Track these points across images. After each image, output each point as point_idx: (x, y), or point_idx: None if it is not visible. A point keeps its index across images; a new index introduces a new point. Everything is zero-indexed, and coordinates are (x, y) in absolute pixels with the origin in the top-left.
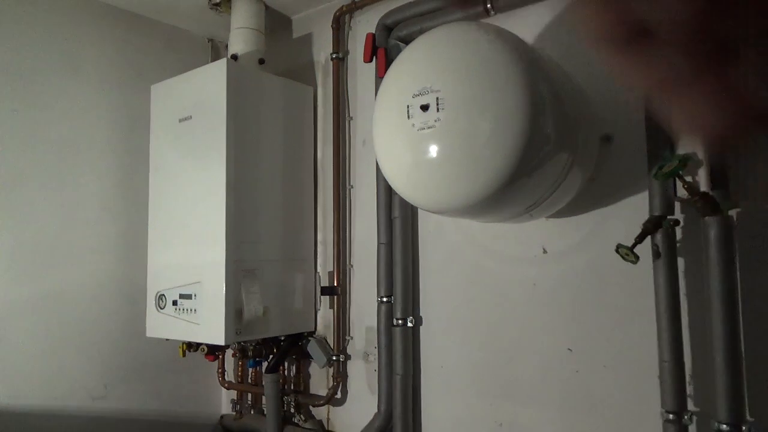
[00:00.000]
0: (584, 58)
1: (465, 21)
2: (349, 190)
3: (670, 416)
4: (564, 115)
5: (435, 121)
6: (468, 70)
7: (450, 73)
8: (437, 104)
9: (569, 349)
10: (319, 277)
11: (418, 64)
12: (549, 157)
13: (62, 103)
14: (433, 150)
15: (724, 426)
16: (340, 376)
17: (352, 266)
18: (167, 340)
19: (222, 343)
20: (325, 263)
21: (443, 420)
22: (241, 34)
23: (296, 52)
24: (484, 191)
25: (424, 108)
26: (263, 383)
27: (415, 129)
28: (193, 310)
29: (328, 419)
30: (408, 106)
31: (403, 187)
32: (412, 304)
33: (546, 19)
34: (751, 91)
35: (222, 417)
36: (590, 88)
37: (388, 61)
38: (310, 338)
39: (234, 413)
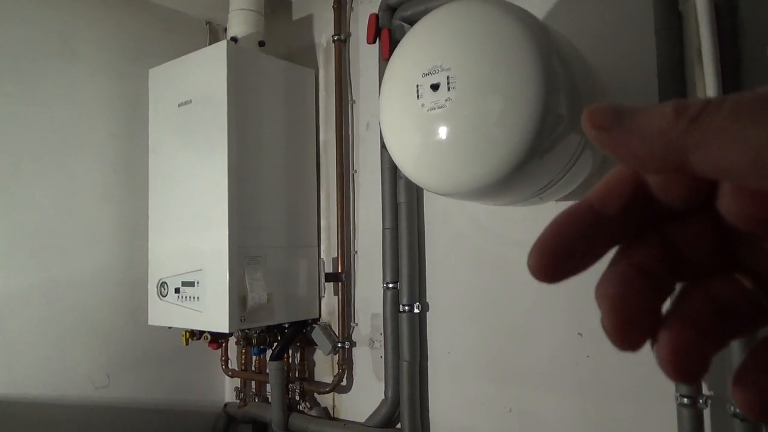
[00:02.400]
0: (595, 36)
1: None
2: (353, 174)
3: (685, 400)
4: (577, 96)
5: (446, 100)
6: (480, 48)
7: (461, 50)
8: (448, 83)
9: (579, 333)
10: (323, 263)
11: (428, 41)
12: (562, 138)
13: (58, 87)
14: (444, 131)
15: (739, 410)
16: (346, 363)
17: (356, 252)
18: (170, 328)
19: (226, 330)
20: (329, 249)
21: (451, 406)
22: (240, 16)
23: (297, 34)
24: (495, 173)
25: (435, 87)
26: (267, 371)
27: (425, 109)
28: (195, 298)
29: (333, 406)
30: (418, 86)
31: (412, 169)
32: (418, 290)
33: None
34: None
35: (226, 405)
36: (602, 67)
37: (392, 43)
38: (314, 325)
39: (238, 401)
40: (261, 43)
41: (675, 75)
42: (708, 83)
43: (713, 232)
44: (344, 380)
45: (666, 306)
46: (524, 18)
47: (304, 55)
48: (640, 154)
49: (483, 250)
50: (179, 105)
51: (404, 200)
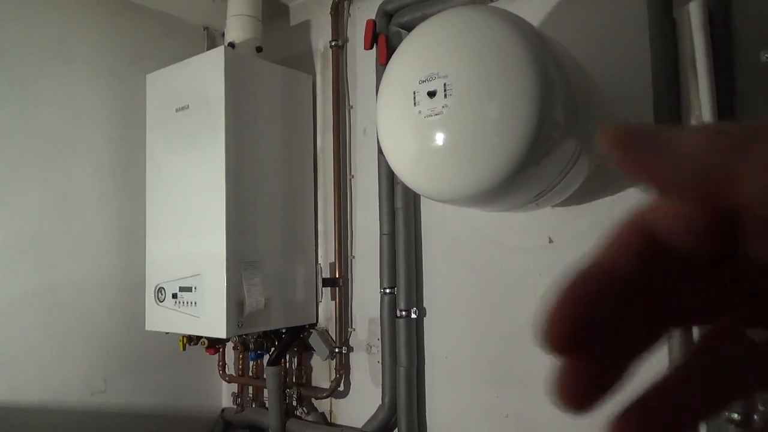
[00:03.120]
0: (590, 43)
1: (471, 5)
2: (350, 179)
3: None
4: (573, 102)
5: (443, 107)
6: (477, 55)
7: (458, 57)
8: (445, 90)
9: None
10: (321, 268)
11: (425, 48)
12: (558, 144)
13: (55, 92)
14: (441, 137)
15: (735, 415)
16: (343, 369)
17: (353, 257)
18: (167, 333)
19: (223, 336)
20: (326, 254)
21: (448, 411)
22: (237, 21)
23: (294, 40)
24: (492, 180)
25: (431, 94)
26: (265, 376)
27: (422, 116)
28: (193, 303)
29: (330, 412)
30: (414, 93)
31: (409, 176)
32: (415, 295)
33: (551, 3)
34: None
35: (223, 410)
36: (597, 73)
37: (389, 49)
38: (311, 330)
39: (235, 407)
40: (258, 49)
41: (670, 81)
42: (702, 89)
43: (731, 282)
44: (341, 385)
45: None
46: (521, 26)
47: (302, 61)
48: (673, 178)
49: (480, 256)
50: (177, 110)
51: (401, 206)
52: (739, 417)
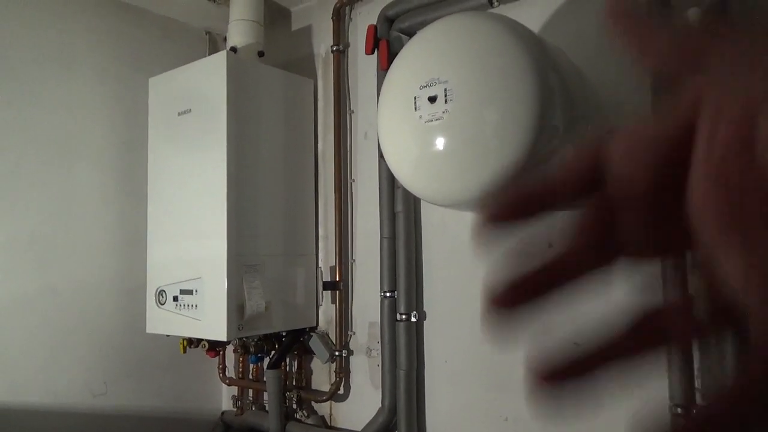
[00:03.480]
0: (589, 49)
1: (471, 11)
2: (351, 183)
3: (679, 410)
4: (572, 107)
5: (443, 112)
6: (477, 61)
7: (459, 63)
8: (445, 95)
9: (576, 343)
10: (321, 271)
11: (426, 54)
12: (557, 149)
13: (58, 96)
14: (441, 142)
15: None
16: (343, 372)
17: (354, 261)
18: (168, 336)
19: (224, 338)
20: (326, 258)
21: (448, 415)
22: (239, 26)
23: (296, 45)
24: (491, 184)
25: (432, 99)
26: (265, 379)
27: (423, 121)
28: (194, 306)
29: (330, 415)
30: (415, 98)
31: (410, 180)
32: (415, 299)
33: (550, 10)
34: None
35: (223, 413)
36: (596, 79)
37: (390, 54)
38: (312, 333)
39: (235, 409)
40: (260, 53)
41: (669, 87)
42: None
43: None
44: (341, 389)
45: None
46: (520, 32)
47: (303, 65)
48: (665, 51)
49: (480, 260)
50: (179, 114)
51: (402, 209)
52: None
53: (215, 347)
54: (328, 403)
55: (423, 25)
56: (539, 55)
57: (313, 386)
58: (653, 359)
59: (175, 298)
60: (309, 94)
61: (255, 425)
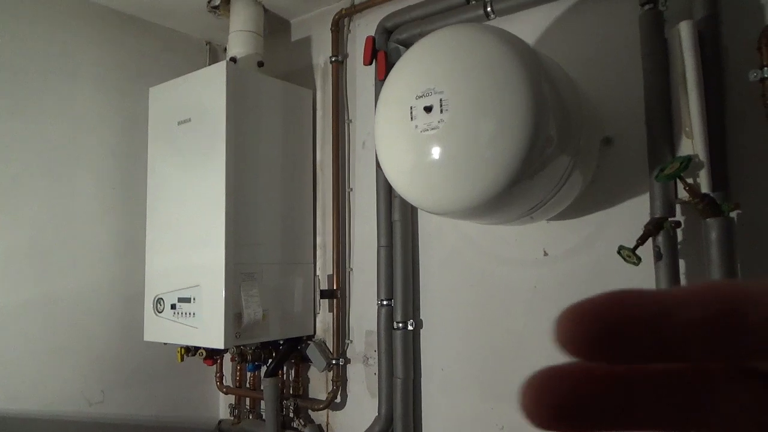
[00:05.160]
0: (584, 60)
1: (467, 23)
2: (349, 192)
3: None
4: (566, 118)
5: (438, 122)
6: (472, 72)
7: (454, 74)
8: (441, 105)
9: None
10: (319, 280)
11: (422, 65)
12: (551, 159)
13: (60, 105)
14: (437, 152)
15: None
16: (340, 380)
17: (351, 269)
18: (165, 344)
19: (221, 347)
20: (324, 266)
21: (444, 423)
22: (239, 37)
23: (295, 55)
24: (487, 193)
25: (428, 109)
26: (262, 387)
27: (419, 130)
28: (191, 314)
29: (327, 423)
30: (411, 108)
31: (406, 189)
32: (412, 307)
33: (545, 22)
34: None
35: (220, 422)
36: (591, 90)
37: (388, 65)
38: (309, 342)
39: (232, 418)
40: (260, 64)
41: (661, 98)
42: (692, 107)
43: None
44: (338, 397)
45: None
46: (515, 43)
47: (302, 76)
48: None
49: (477, 269)
50: (179, 123)
51: (399, 218)
52: None
53: (212, 355)
54: (325, 411)
55: (420, 36)
56: (533, 66)
57: (310, 395)
58: None
59: (173, 306)
60: (308, 104)
61: None
